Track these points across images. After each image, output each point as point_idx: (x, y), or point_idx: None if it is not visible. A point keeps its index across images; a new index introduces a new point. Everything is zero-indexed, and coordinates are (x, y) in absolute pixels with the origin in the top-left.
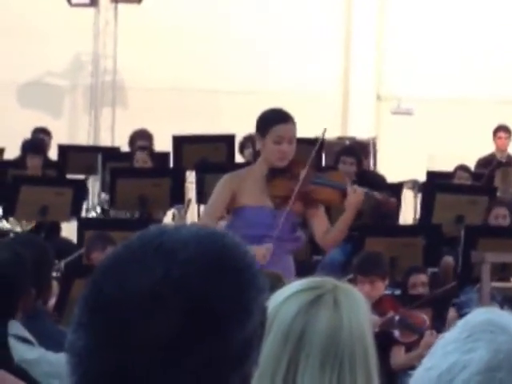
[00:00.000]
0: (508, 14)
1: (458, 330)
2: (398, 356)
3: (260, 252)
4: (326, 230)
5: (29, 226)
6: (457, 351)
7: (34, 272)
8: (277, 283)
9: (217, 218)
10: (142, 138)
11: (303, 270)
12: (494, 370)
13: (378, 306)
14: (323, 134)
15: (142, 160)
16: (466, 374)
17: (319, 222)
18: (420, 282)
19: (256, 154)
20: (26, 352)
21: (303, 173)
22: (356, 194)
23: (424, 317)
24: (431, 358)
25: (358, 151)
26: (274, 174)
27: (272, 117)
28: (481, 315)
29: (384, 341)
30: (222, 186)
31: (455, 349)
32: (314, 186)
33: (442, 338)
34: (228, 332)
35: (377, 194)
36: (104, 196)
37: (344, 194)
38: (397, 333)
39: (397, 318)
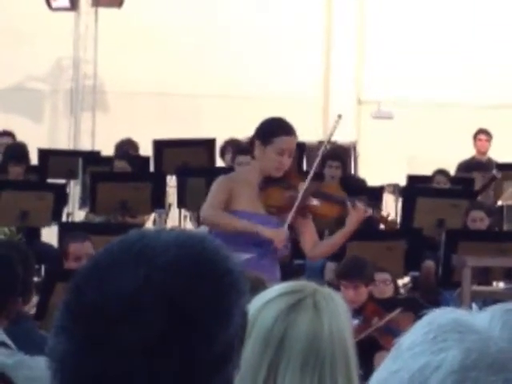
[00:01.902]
0: (488, 19)
1: (422, 331)
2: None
3: (280, 236)
4: (315, 241)
5: (15, 236)
6: (426, 352)
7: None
8: (259, 286)
9: (218, 210)
10: (128, 147)
11: (284, 273)
12: (468, 369)
13: (362, 311)
14: (336, 122)
15: (120, 168)
16: (441, 375)
17: (309, 233)
18: (382, 280)
19: (234, 158)
20: (5, 356)
21: (303, 185)
22: (359, 212)
23: (408, 322)
24: (396, 361)
25: (343, 155)
26: (268, 182)
27: (277, 127)
28: (444, 315)
29: (369, 346)
30: (220, 185)
31: (424, 350)
32: (315, 201)
33: (403, 340)
34: (209, 335)
35: (376, 212)
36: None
37: (342, 208)
38: (381, 339)
39: (382, 324)
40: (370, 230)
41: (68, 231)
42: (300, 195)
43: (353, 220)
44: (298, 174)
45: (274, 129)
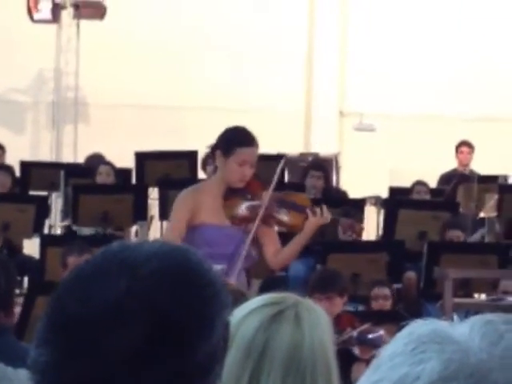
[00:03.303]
0: (471, 33)
1: (402, 342)
2: (360, 373)
3: None
4: (276, 250)
5: None
6: (406, 363)
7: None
8: (240, 298)
9: (180, 234)
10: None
11: (267, 285)
12: (447, 380)
13: (335, 322)
14: (282, 163)
15: (105, 172)
16: None
17: (270, 241)
18: (382, 295)
19: (215, 170)
20: None
21: (266, 195)
22: (317, 218)
23: (381, 332)
24: (377, 372)
25: (326, 166)
26: (231, 193)
27: (238, 138)
28: (423, 326)
29: (344, 358)
30: (181, 204)
31: (403, 361)
32: (280, 210)
33: (384, 351)
34: (191, 346)
35: (343, 220)
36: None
37: (305, 216)
38: (356, 349)
39: (355, 334)
40: (352, 242)
41: (49, 243)
42: (263, 205)
43: (310, 226)
44: (260, 183)
45: (235, 140)
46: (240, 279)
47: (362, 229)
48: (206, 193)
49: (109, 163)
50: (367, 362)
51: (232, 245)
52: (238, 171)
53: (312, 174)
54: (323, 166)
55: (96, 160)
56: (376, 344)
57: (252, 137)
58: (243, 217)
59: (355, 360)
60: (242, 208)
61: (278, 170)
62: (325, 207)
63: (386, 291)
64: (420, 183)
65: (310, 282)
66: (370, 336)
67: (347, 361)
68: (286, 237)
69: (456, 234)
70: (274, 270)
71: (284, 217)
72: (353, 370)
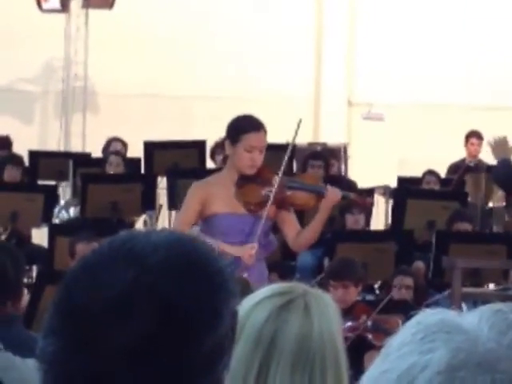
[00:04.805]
0: (479, 21)
1: (410, 332)
2: (373, 360)
3: (247, 252)
4: (297, 232)
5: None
6: (414, 352)
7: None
8: (244, 289)
9: (190, 225)
10: (116, 143)
11: (276, 274)
12: (455, 369)
13: (350, 311)
14: (298, 125)
15: (115, 163)
16: (428, 374)
17: (290, 225)
18: (405, 285)
19: (225, 160)
20: None
21: (277, 179)
22: (334, 195)
23: (397, 320)
24: (385, 361)
25: (326, 155)
26: (244, 180)
27: (245, 124)
28: (432, 316)
29: (358, 345)
30: (192, 195)
31: (412, 350)
32: (290, 191)
33: (393, 341)
34: (199, 336)
35: (352, 195)
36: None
37: (320, 197)
38: (371, 337)
39: (370, 322)
40: (360, 231)
41: (58, 233)
42: (274, 189)
43: (325, 205)
44: (271, 170)
45: (242, 126)
46: (262, 278)
47: (369, 202)
48: (218, 183)
49: (119, 153)
50: (381, 349)
51: (247, 232)
52: (248, 157)
53: (312, 164)
54: (322, 155)
55: (114, 145)
56: (391, 333)
57: (258, 122)
58: (257, 203)
59: (369, 347)
60: (256, 194)
61: (288, 152)
62: (331, 187)
63: (410, 281)
64: (430, 173)
65: (327, 268)
66: (385, 325)
67: (361, 348)
68: (301, 217)
69: (463, 227)
70: (285, 258)
71: (296, 197)
72: (366, 357)
